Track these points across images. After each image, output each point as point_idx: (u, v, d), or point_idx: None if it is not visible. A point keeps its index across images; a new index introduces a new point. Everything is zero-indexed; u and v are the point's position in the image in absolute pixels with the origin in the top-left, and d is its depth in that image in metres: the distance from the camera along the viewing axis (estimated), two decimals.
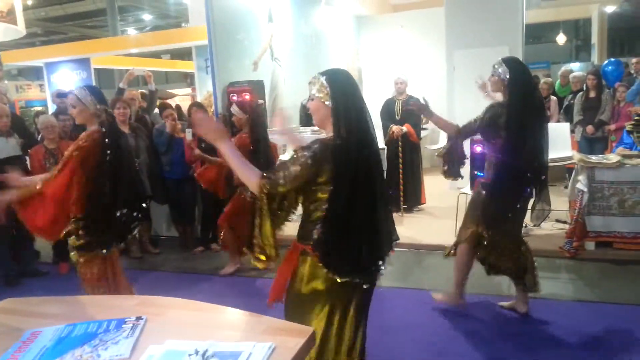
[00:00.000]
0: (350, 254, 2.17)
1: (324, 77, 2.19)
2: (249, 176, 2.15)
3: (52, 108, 7.86)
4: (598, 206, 4.78)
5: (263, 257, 2.20)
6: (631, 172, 4.68)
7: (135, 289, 3.63)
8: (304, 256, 2.24)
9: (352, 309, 2.25)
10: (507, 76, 3.43)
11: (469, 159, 5.58)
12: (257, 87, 6.51)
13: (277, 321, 1.73)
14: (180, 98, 13.87)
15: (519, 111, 3.36)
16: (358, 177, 2.14)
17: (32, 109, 14.31)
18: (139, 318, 1.77)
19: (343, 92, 2.16)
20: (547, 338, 3.46)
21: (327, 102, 2.16)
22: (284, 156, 7.29)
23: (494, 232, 3.61)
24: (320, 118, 2.23)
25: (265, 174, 2.12)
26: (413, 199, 6.58)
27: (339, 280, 2.16)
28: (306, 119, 6.80)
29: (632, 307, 3.86)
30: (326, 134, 2.23)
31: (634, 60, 8.26)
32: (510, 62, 3.50)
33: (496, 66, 3.52)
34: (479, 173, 5.46)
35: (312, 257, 2.20)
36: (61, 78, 10.17)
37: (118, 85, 6.50)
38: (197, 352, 1.46)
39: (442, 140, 9.37)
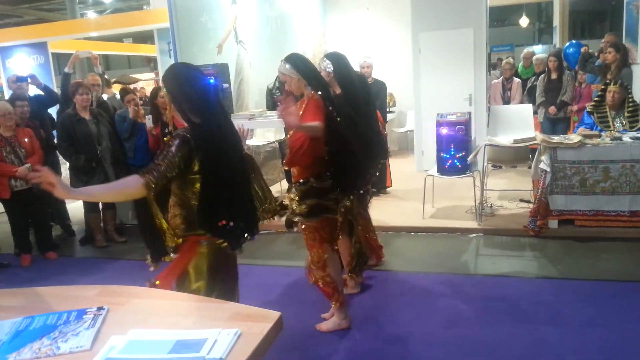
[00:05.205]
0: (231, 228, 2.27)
1: None
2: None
3: (7, 94, 7.57)
4: (560, 185, 4.88)
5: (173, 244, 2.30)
6: (592, 151, 4.79)
7: None
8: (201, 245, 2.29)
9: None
10: (331, 69, 3.58)
11: (436, 141, 5.65)
12: (221, 70, 6.39)
13: (243, 307, 1.70)
14: (144, 83, 13.59)
15: (346, 101, 3.42)
16: (221, 159, 2.24)
17: None
18: (100, 308, 1.73)
19: (177, 82, 2.27)
20: (512, 314, 3.53)
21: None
22: (252, 140, 7.23)
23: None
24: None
25: (145, 172, 2.19)
26: (379, 183, 6.59)
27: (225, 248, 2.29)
28: (272, 103, 6.71)
29: (594, 282, 3.96)
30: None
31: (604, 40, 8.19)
32: (332, 57, 3.66)
33: (322, 61, 3.64)
34: (444, 155, 5.53)
35: (209, 241, 2.26)
36: (17, 63, 9.82)
37: (63, 70, 6.27)
38: (160, 342, 1.43)
39: (409, 123, 9.49)
